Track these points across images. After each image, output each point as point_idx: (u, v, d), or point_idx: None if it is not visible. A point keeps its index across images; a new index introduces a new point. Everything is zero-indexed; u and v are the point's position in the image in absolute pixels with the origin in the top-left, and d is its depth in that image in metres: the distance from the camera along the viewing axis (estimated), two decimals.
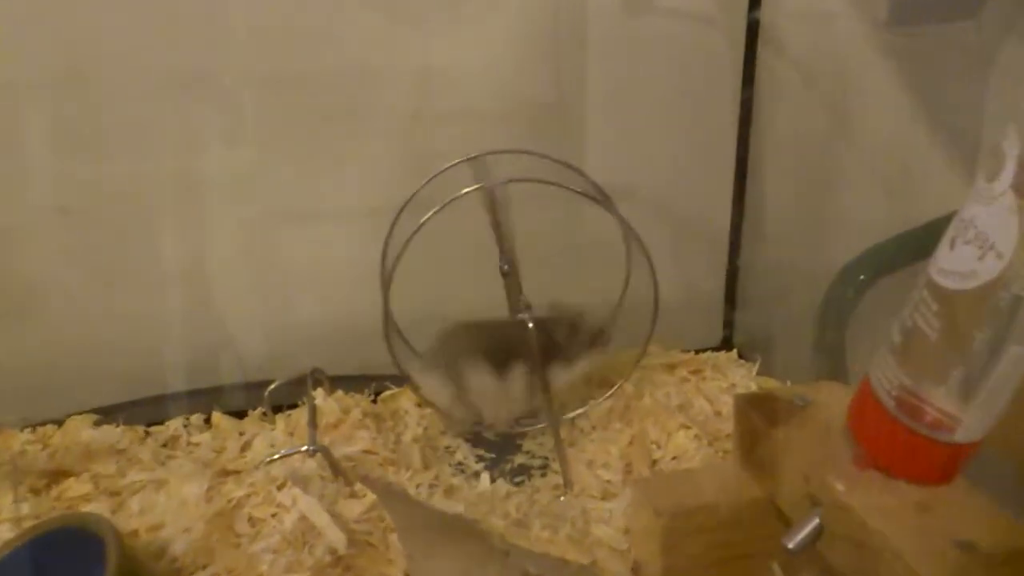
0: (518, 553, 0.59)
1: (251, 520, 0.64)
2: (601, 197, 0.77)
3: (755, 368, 0.93)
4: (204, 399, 0.88)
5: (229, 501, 0.65)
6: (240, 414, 0.86)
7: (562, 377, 0.81)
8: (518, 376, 0.80)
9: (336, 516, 0.66)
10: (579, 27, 0.91)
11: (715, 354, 0.97)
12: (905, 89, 0.80)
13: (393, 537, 0.64)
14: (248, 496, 0.65)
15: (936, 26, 0.77)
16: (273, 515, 0.64)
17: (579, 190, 0.75)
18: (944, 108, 0.77)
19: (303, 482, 0.68)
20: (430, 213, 0.73)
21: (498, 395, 0.81)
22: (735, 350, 0.98)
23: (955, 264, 0.53)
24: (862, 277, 0.83)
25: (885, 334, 0.58)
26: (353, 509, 0.67)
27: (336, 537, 0.61)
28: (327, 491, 0.68)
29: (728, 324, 1.02)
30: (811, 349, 0.87)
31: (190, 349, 0.91)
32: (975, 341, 0.52)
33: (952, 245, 0.54)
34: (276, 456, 0.71)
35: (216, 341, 0.91)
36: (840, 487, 0.57)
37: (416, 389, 0.80)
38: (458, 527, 0.61)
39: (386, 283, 0.75)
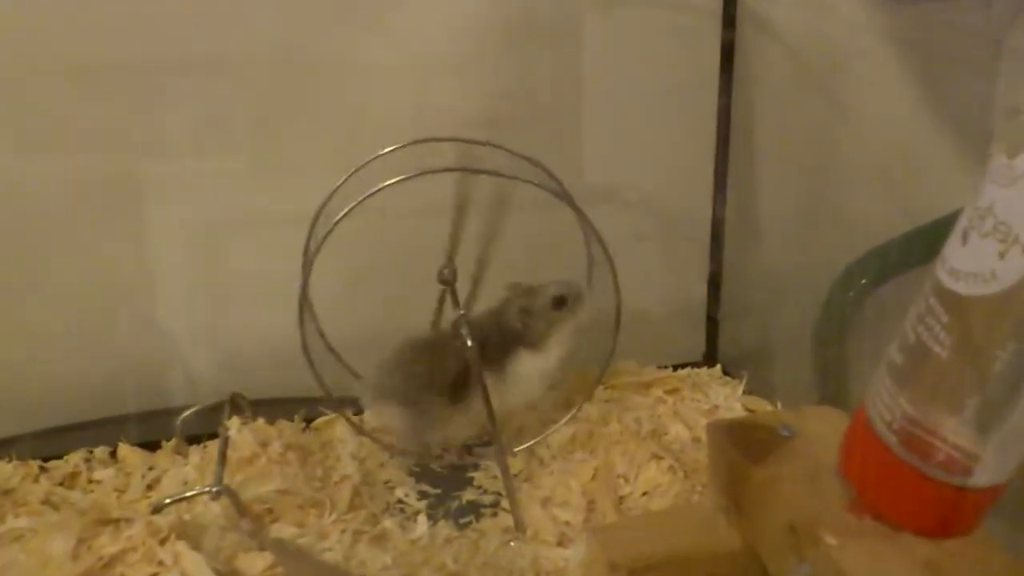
0: None
1: None
2: (558, 190, 0.67)
3: (741, 386, 0.82)
4: (115, 429, 0.77)
5: (100, 559, 0.54)
6: (153, 446, 0.76)
7: (534, 363, 0.72)
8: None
9: (233, 573, 0.55)
10: (550, 19, 0.82)
11: (696, 370, 0.86)
12: (907, 74, 0.73)
13: None
14: (124, 552, 0.55)
15: (939, 2, 0.70)
16: (152, 575, 0.54)
17: (533, 182, 0.65)
18: (950, 94, 0.70)
19: (197, 532, 0.57)
20: (353, 203, 0.63)
21: (458, 419, 0.72)
22: (719, 366, 0.88)
23: (970, 263, 0.42)
24: (864, 281, 0.75)
25: (883, 353, 0.48)
26: (255, 564, 0.56)
27: None
28: (226, 542, 0.58)
29: (712, 336, 0.92)
30: (807, 364, 0.78)
31: (101, 371, 0.80)
32: (996, 360, 0.42)
33: (965, 239, 0.43)
34: (168, 500, 0.61)
35: (132, 361, 0.81)
36: (831, 540, 0.47)
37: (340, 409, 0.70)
38: None
39: (306, 272, 0.65)
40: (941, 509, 0.46)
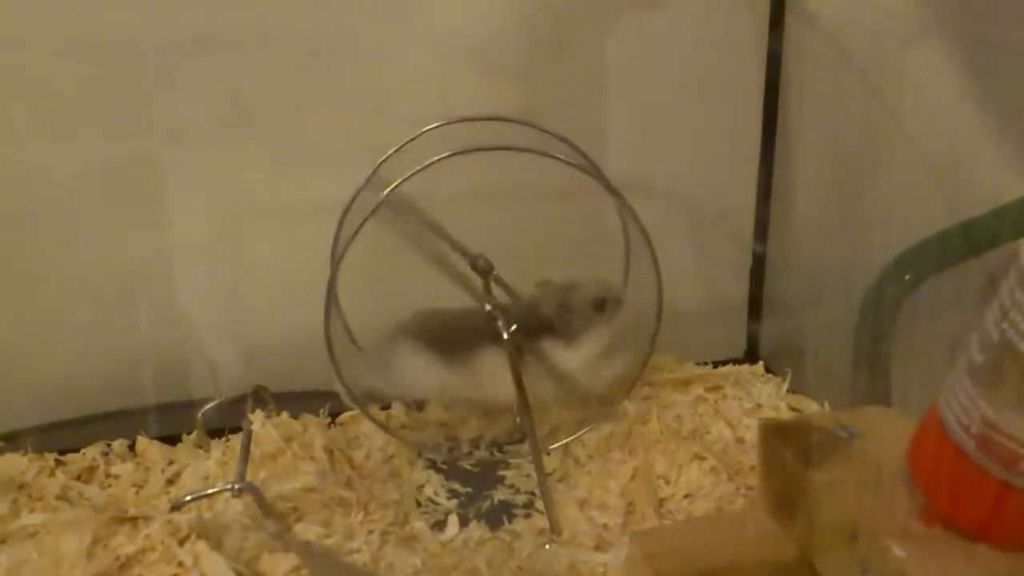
0: None
1: None
2: (591, 169, 0.64)
3: (785, 384, 0.79)
4: (134, 421, 0.75)
5: (117, 559, 0.52)
6: (173, 439, 0.73)
7: (569, 358, 0.69)
8: (487, 360, 0.67)
9: (256, 575, 0.52)
10: (586, 4, 0.79)
11: (737, 367, 0.83)
12: (953, 66, 0.69)
13: None
14: (142, 552, 0.52)
15: None
16: None
17: (562, 158, 0.61)
18: (998, 86, 0.66)
19: (218, 531, 0.55)
20: (392, 185, 0.60)
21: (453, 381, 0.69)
22: (761, 362, 0.84)
23: None
24: (907, 277, 0.71)
25: (962, 350, 0.44)
26: (279, 566, 0.54)
27: None
28: (249, 542, 0.55)
29: (753, 332, 0.88)
30: (851, 362, 0.75)
31: (120, 362, 0.77)
32: None
33: None
34: (189, 498, 0.58)
35: (152, 352, 0.78)
36: (899, 551, 0.44)
37: (353, 399, 0.68)
38: None
39: (334, 273, 0.62)
40: (1022, 520, 0.42)
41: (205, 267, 0.79)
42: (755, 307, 0.88)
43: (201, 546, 0.51)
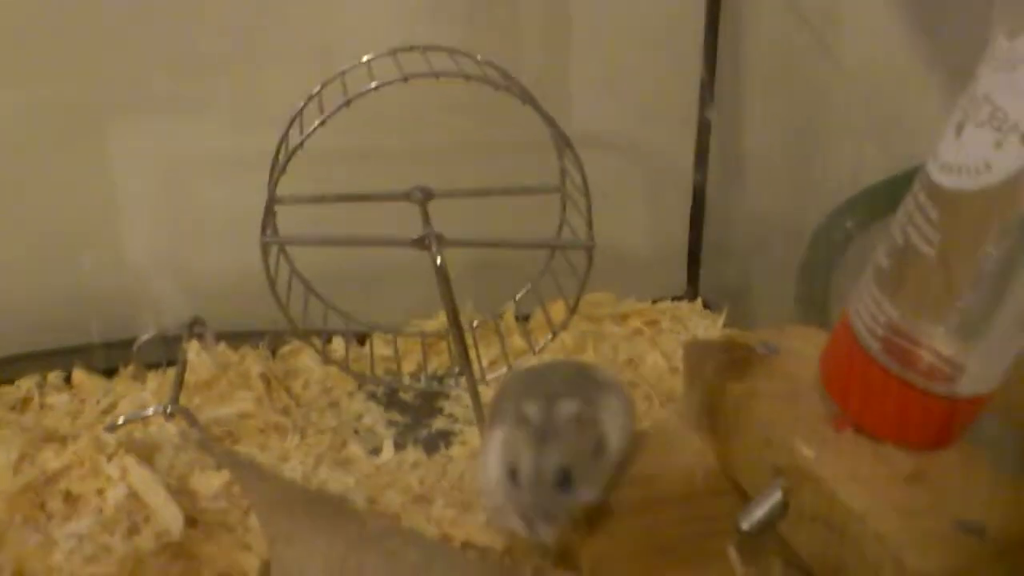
0: (401, 538, 0.46)
1: (67, 497, 0.51)
2: (523, 95, 0.63)
3: (721, 319, 0.80)
4: (74, 358, 0.74)
5: (43, 472, 0.52)
6: (110, 372, 0.73)
7: None
8: None
9: (185, 492, 0.53)
10: None
11: (676, 303, 0.84)
12: (899, 12, 0.70)
13: (254, 519, 0.51)
14: (69, 467, 0.52)
15: None
16: (99, 491, 0.51)
17: (493, 82, 0.61)
18: (943, 34, 0.67)
19: (149, 450, 0.55)
20: (326, 114, 0.59)
21: None
22: (700, 299, 0.85)
23: (963, 156, 0.40)
24: (849, 224, 0.72)
25: (870, 258, 0.45)
26: (211, 483, 0.54)
27: (171, 517, 0.48)
28: (179, 461, 0.55)
29: (693, 272, 0.89)
30: (790, 305, 0.77)
31: (61, 301, 0.77)
32: (986, 259, 0.40)
33: (959, 131, 0.41)
34: (122, 420, 0.58)
35: (94, 292, 0.78)
36: (808, 452, 0.45)
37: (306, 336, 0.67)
38: (328, 506, 0.48)
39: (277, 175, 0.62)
40: (923, 419, 0.44)
41: (148, 209, 0.79)
42: (695, 248, 0.89)
43: (129, 460, 0.51)
